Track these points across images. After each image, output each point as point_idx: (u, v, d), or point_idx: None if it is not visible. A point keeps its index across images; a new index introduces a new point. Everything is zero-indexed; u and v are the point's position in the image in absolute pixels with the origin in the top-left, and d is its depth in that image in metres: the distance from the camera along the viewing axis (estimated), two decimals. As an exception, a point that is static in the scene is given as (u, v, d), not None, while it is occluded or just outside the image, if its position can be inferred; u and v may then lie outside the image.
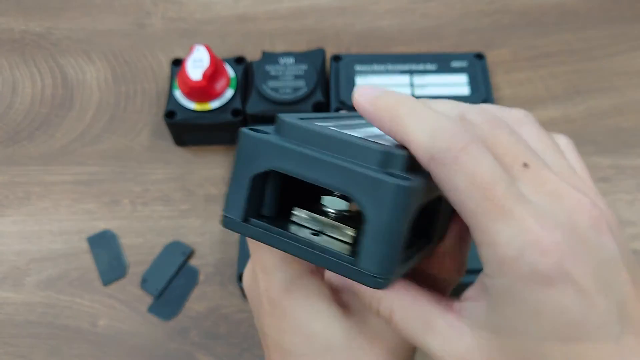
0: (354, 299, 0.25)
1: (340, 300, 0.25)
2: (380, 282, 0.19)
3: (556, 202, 0.20)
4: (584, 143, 0.51)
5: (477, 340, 0.21)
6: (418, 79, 0.50)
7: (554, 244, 0.19)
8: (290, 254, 0.21)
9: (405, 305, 0.22)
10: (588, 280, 0.19)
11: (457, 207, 0.20)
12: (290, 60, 0.50)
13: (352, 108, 0.52)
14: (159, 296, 0.45)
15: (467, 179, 0.19)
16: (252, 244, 0.24)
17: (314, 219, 0.22)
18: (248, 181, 0.20)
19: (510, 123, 0.22)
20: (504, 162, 0.20)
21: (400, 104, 0.21)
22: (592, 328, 0.19)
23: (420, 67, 0.51)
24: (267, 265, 0.24)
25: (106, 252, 0.47)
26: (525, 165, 0.20)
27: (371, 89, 0.22)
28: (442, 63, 0.51)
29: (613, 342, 0.19)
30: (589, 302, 0.19)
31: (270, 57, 0.51)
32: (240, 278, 0.42)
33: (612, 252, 0.20)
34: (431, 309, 0.22)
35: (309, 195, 0.23)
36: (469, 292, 0.22)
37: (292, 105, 0.48)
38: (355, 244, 0.21)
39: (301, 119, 0.21)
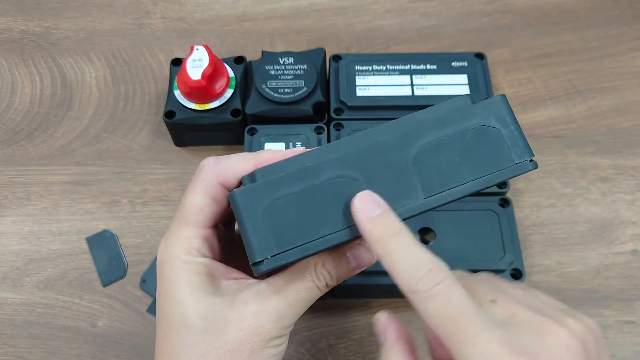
0: (229, 287, 0.28)
1: (216, 282, 0.28)
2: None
3: (526, 331, 0.23)
4: (584, 143, 0.51)
5: None
6: (418, 79, 0.50)
7: None
8: None
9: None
10: None
11: (436, 333, 0.23)
12: (290, 60, 0.50)
13: (351, 108, 0.52)
14: (158, 296, 0.45)
15: (438, 309, 0.23)
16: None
17: None
18: None
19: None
20: (475, 298, 0.23)
21: (392, 239, 0.24)
22: None
23: (421, 67, 0.51)
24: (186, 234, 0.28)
25: (105, 252, 0.47)
26: (493, 301, 0.24)
27: (372, 203, 0.25)
28: (442, 63, 0.51)
29: None
30: None
31: (269, 57, 0.51)
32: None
33: None
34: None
35: None
36: None
37: (292, 105, 0.48)
38: None
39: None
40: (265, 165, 0.27)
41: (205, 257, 0.29)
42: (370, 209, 0.25)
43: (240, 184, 0.28)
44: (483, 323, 0.22)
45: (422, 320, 0.23)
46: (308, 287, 0.28)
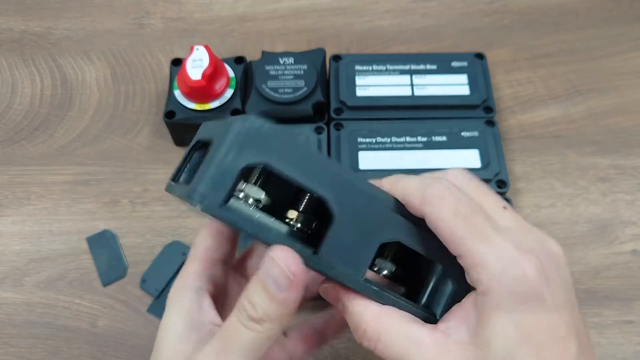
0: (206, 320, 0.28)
1: (199, 326, 0.28)
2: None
3: (529, 235, 0.26)
4: (584, 143, 0.51)
5: (463, 355, 0.24)
6: (418, 79, 0.50)
7: (531, 266, 0.24)
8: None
9: (392, 328, 0.25)
10: (558, 298, 0.24)
11: (447, 240, 0.25)
12: (290, 60, 0.50)
13: (351, 108, 0.52)
14: (158, 296, 0.45)
15: (450, 211, 0.24)
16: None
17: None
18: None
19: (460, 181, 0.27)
20: (486, 207, 0.26)
21: (400, 178, 0.27)
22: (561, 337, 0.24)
23: (420, 67, 0.51)
24: (186, 269, 0.30)
25: (106, 252, 0.47)
26: (505, 207, 0.27)
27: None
28: (442, 63, 0.51)
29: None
30: (559, 316, 0.24)
31: (270, 57, 0.51)
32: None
33: (569, 277, 0.25)
34: (418, 330, 0.25)
35: None
36: (453, 315, 0.26)
37: (292, 105, 0.48)
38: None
39: None
40: None
41: (198, 292, 0.29)
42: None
43: None
44: (495, 226, 0.25)
45: (438, 231, 0.25)
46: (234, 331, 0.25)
